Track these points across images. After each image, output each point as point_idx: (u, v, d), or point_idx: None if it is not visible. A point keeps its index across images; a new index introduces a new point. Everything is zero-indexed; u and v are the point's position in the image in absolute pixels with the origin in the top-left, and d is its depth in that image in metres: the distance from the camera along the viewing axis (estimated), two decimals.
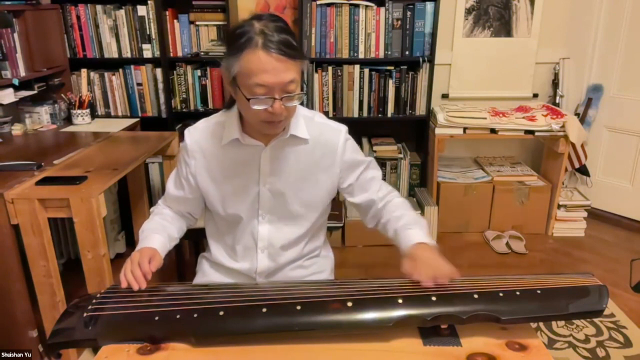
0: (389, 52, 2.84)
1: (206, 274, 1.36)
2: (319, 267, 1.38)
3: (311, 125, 1.22)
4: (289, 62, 1.02)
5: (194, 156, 1.24)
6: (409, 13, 2.77)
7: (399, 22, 2.79)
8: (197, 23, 2.78)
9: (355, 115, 2.94)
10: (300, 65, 1.07)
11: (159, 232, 1.24)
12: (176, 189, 1.30)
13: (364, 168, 1.29)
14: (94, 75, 2.84)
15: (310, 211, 1.28)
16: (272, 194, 1.23)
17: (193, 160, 1.24)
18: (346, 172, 1.27)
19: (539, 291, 0.98)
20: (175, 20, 2.77)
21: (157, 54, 2.79)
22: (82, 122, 2.58)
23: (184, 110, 2.92)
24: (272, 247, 1.27)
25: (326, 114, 2.91)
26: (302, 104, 1.18)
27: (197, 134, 1.25)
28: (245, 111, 1.11)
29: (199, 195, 1.29)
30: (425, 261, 1.06)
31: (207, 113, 2.96)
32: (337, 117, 2.92)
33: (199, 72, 2.86)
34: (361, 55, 2.83)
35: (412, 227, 1.19)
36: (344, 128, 1.25)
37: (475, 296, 0.97)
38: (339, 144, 1.23)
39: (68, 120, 2.63)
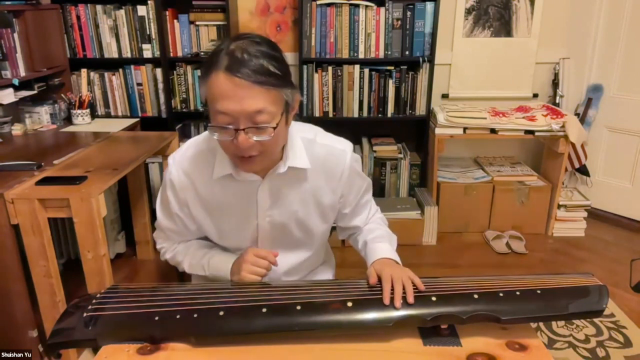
0: (389, 52, 2.84)
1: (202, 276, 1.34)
2: (320, 276, 1.36)
3: (312, 149, 1.11)
4: (257, 89, 0.90)
5: (184, 192, 1.12)
6: (409, 13, 2.77)
7: (399, 22, 2.79)
8: (197, 23, 2.78)
9: (355, 115, 2.94)
10: (276, 95, 0.93)
11: (213, 252, 1.19)
12: (175, 224, 1.20)
13: (362, 192, 1.24)
14: (94, 75, 2.84)
15: (313, 237, 1.22)
16: (271, 227, 1.16)
17: (182, 194, 1.13)
18: (347, 197, 1.20)
19: (539, 291, 0.98)
20: (175, 20, 2.77)
21: (157, 54, 2.79)
22: (82, 122, 2.58)
23: (184, 110, 2.92)
24: (273, 272, 1.17)
25: (326, 114, 2.91)
26: (300, 110, 1.14)
27: (185, 164, 1.11)
28: (220, 147, 1.01)
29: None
30: (391, 266, 1.06)
31: (207, 113, 2.96)
32: (337, 117, 2.92)
33: (199, 72, 2.86)
34: (361, 55, 2.83)
35: (382, 241, 1.18)
36: (349, 148, 1.15)
37: (475, 296, 0.97)
38: (345, 169, 1.14)
39: (68, 120, 2.63)
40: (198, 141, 1.13)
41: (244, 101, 0.90)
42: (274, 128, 0.94)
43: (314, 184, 1.13)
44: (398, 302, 0.95)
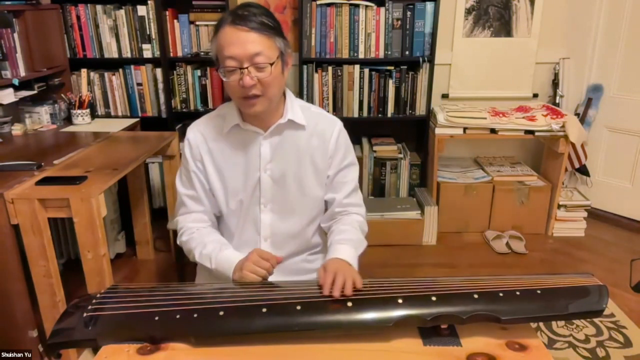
0: (389, 52, 2.84)
1: (207, 274, 1.35)
2: (319, 264, 1.38)
3: (308, 114, 1.28)
4: (255, 35, 1.10)
5: (198, 148, 1.28)
6: (409, 13, 2.77)
7: (399, 22, 2.79)
8: (197, 23, 2.78)
9: (355, 115, 2.94)
10: (271, 42, 1.13)
11: (223, 247, 1.25)
12: (193, 189, 1.30)
13: (346, 165, 1.33)
14: (94, 75, 2.84)
15: (308, 199, 1.31)
16: (272, 181, 1.28)
17: (197, 150, 1.28)
18: (331, 160, 1.30)
19: (539, 291, 0.98)
20: (175, 20, 2.77)
21: (157, 54, 2.79)
22: (82, 122, 2.58)
23: (184, 110, 2.92)
24: (275, 236, 1.31)
25: None
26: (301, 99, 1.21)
27: (200, 126, 1.30)
28: (228, 92, 1.18)
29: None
30: (339, 263, 1.11)
31: (207, 113, 2.96)
32: (337, 117, 2.89)
33: (199, 72, 2.86)
34: (361, 55, 2.83)
35: (346, 244, 1.23)
36: (339, 120, 1.32)
37: (475, 296, 0.97)
38: (334, 133, 1.29)
39: (68, 120, 2.63)
40: (210, 113, 1.34)
41: (245, 45, 1.10)
42: (271, 65, 1.13)
43: (310, 144, 1.28)
44: (337, 291, 0.99)
